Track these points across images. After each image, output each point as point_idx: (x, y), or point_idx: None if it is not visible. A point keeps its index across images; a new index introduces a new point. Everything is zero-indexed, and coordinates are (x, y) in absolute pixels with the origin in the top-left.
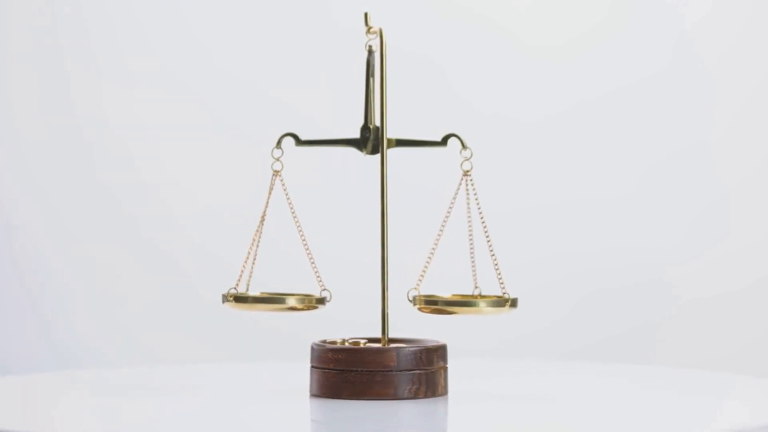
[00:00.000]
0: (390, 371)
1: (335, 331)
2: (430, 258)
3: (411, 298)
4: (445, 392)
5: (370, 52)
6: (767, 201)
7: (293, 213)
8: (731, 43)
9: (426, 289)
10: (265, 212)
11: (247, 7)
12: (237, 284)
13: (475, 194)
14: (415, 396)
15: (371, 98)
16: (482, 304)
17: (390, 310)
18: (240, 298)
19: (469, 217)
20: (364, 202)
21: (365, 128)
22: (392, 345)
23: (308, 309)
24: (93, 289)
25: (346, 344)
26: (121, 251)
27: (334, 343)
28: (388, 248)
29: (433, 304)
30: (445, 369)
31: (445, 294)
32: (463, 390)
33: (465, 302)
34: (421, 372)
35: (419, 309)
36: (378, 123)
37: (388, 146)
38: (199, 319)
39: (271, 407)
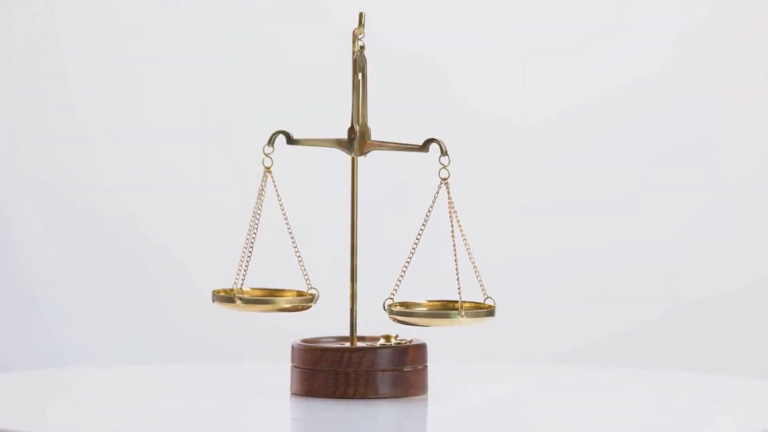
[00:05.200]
0: (370, 371)
1: (317, 330)
2: (406, 266)
3: (386, 308)
4: (425, 392)
5: (360, 52)
6: (767, 201)
7: (283, 210)
8: (732, 42)
9: (403, 297)
10: (258, 209)
11: (246, 7)
12: (234, 283)
13: (451, 201)
14: (395, 396)
15: (357, 99)
16: (459, 315)
17: (380, 310)
18: (227, 299)
19: (451, 224)
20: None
21: (351, 129)
22: (372, 344)
23: (299, 310)
24: (91, 288)
25: (327, 344)
26: (119, 251)
27: (315, 342)
28: (357, 249)
29: (406, 315)
30: (426, 369)
31: (421, 301)
32: (445, 390)
33: (442, 314)
34: (401, 372)
35: (392, 319)
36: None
37: (368, 149)
38: (198, 319)
39: (251, 406)
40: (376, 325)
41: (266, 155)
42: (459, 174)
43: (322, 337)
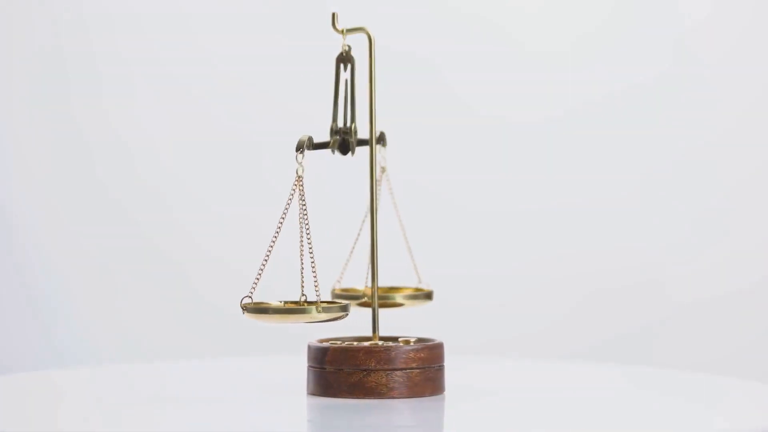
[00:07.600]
0: (387, 370)
1: (331, 330)
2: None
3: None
4: (442, 391)
5: (343, 54)
6: (767, 203)
7: (305, 218)
8: (731, 45)
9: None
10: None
11: (246, 8)
12: (251, 292)
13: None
14: (412, 395)
15: (338, 99)
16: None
17: (386, 310)
18: (260, 309)
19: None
20: (353, 200)
21: (332, 130)
22: (389, 344)
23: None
24: (92, 287)
25: (343, 344)
26: (120, 250)
27: (335, 342)
28: (377, 248)
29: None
30: (442, 368)
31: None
32: (460, 389)
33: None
34: (418, 371)
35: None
36: (343, 125)
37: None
38: (197, 316)
39: (267, 406)
40: (394, 324)
41: (299, 163)
42: (459, 174)
43: (339, 337)
